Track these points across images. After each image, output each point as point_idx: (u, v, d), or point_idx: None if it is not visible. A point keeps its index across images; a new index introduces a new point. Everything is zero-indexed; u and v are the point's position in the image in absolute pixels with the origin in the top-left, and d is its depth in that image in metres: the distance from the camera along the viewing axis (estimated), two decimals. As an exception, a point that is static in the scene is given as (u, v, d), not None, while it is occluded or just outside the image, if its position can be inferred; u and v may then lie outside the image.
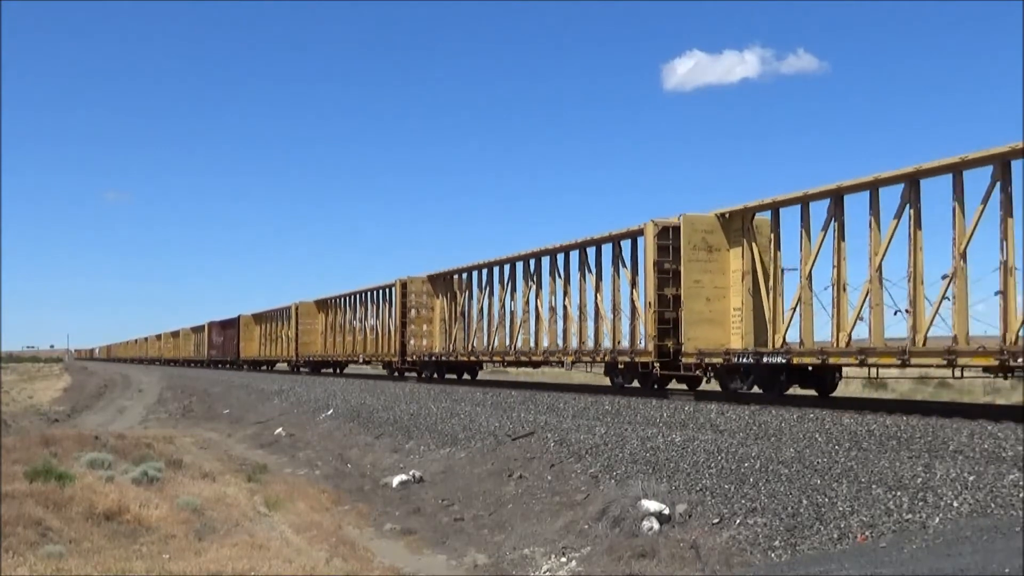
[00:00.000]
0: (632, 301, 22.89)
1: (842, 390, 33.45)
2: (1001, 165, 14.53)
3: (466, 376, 35.23)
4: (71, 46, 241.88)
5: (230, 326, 67.00)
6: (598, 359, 24.31)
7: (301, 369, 52.16)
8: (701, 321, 20.20)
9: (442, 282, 35.82)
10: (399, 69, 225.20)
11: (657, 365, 21.18)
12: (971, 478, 10.46)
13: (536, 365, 29.33)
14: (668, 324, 20.96)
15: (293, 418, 32.62)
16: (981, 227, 14.92)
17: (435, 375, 35.82)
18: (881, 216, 16.66)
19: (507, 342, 29.74)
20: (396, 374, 39.03)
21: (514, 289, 29.51)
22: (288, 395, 39.00)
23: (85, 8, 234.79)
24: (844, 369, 18.45)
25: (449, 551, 14.46)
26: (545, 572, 12.60)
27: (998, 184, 14.52)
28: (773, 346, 18.90)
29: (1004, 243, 14.41)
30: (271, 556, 12.10)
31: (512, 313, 29.60)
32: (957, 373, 15.26)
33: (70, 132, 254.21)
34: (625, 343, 23.23)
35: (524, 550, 13.42)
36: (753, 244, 19.93)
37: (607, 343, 24.06)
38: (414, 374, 37.63)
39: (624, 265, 23.32)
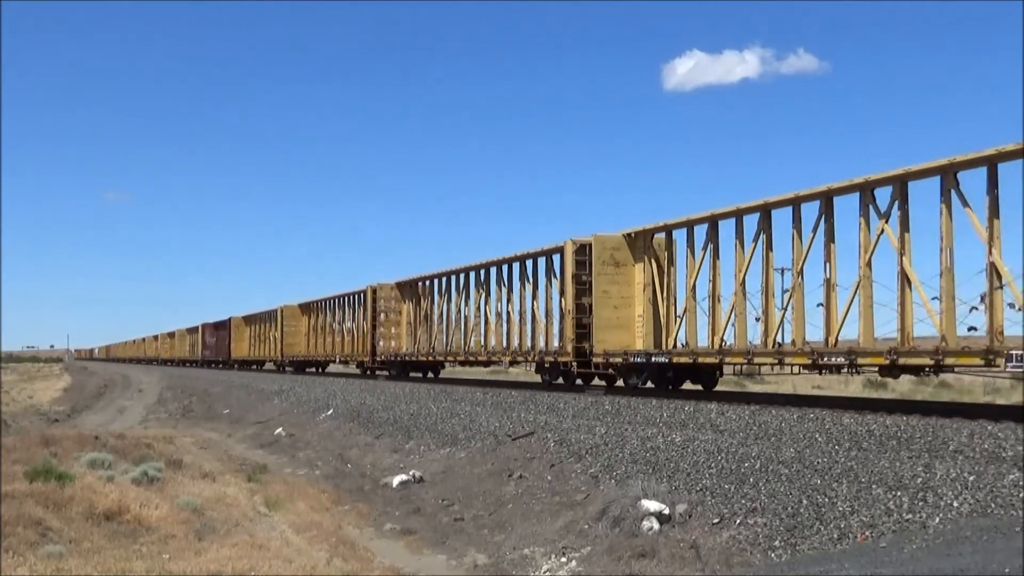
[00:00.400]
0: (560, 308, 25.62)
1: (842, 390, 33.46)
2: (825, 200, 17.36)
3: (430, 375, 38.48)
4: (71, 46, 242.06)
5: (222, 327, 69.61)
6: (531, 359, 27.68)
7: (286, 368, 54.80)
8: (609, 326, 23.34)
9: (409, 288, 38.84)
10: (399, 69, 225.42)
11: (575, 364, 24.35)
12: (971, 478, 10.46)
13: (485, 364, 32.69)
14: (585, 329, 23.94)
15: (293, 418, 32.63)
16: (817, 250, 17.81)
17: (401, 373, 38.86)
18: (745, 240, 19.64)
19: (462, 344, 32.76)
20: (368, 372, 41.78)
21: (468, 296, 32.69)
22: (288, 395, 39.01)
23: (85, 8, 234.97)
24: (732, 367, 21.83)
25: (449, 551, 14.46)
26: (545, 572, 12.60)
27: (823, 216, 17.47)
28: (666, 348, 22.01)
29: (827, 264, 17.42)
30: (271, 556, 12.11)
31: (466, 317, 32.71)
32: (786, 369, 19.87)
33: (70, 132, 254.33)
34: (555, 344, 26.08)
35: (524, 550, 13.42)
36: (653, 260, 23.02)
37: (541, 344, 27.03)
38: (385, 373, 40.41)
39: (555, 276, 26.16)
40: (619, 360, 22.98)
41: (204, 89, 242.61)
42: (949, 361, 14.69)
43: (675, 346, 21.79)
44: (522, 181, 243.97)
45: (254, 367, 62.75)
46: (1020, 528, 8.59)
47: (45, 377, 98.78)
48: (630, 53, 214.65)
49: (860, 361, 16.35)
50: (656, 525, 12.44)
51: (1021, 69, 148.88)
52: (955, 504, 10.08)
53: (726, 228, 20.28)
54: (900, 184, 15.96)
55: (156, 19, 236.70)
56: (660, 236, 22.90)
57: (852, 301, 16.74)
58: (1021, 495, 9.81)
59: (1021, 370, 15.06)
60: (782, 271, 19.32)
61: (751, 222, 19.42)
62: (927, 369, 15.74)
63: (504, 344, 29.42)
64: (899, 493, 10.68)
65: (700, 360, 20.58)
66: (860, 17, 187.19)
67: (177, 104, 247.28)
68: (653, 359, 21.79)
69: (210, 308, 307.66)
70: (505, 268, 29.48)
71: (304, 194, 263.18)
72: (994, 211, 14.41)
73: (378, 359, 39.67)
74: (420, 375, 38.18)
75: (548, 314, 26.50)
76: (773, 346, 18.52)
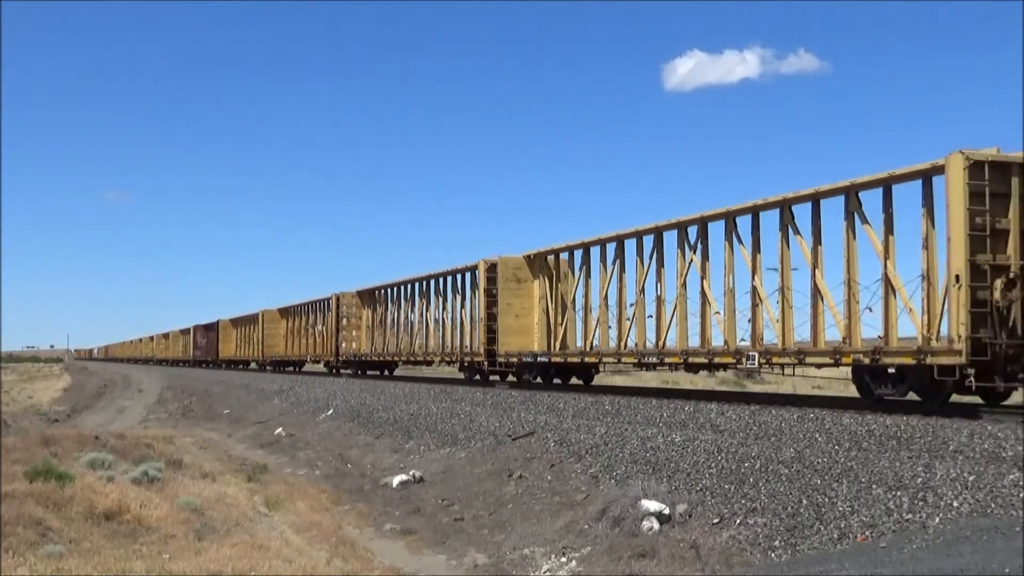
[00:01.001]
0: (478, 316, 29.61)
1: (842, 390, 33.43)
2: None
3: (386, 372, 42.77)
4: (71, 46, 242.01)
5: (211, 329, 73.37)
6: (455, 359, 32.13)
7: (267, 367, 59.37)
8: (511, 332, 27.74)
9: (368, 296, 43.23)
10: (399, 69, 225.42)
11: (485, 363, 28.86)
12: (971, 478, 10.46)
13: (427, 364, 37.34)
14: (494, 334, 28.06)
15: (293, 418, 32.63)
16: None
17: (359, 372, 43.52)
18: (607, 262, 23.93)
19: (409, 346, 37.23)
20: (333, 371, 46.08)
21: (413, 304, 37.34)
22: (288, 395, 39.02)
23: (85, 8, 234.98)
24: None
25: (449, 551, 14.46)
26: (545, 572, 12.60)
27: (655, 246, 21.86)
28: (551, 350, 26.48)
29: (659, 284, 21.67)
30: (271, 556, 12.10)
31: (412, 323, 37.47)
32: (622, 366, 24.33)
33: (70, 132, 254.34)
34: (477, 347, 29.68)
35: (524, 550, 13.42)
36: (546, 277, 27.45)
37: (467, 346, 30.93)
38: (348, 371, 44.41)
39: (478, 288, 29.66)
40: (515, 360, 27.44)
41: (204, 89, 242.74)
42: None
43: (560, 349, 26.18)
44: (522, 181, 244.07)
45: (240, 367, 66.14)
46: (1020, 528, 8.59)
47: (45, 377, 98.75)
48: (630, 53, 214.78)
49: (668, 360, 20.84)
50: (656, 525, 12.45)
51: (1021, 69, 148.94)
52: (955, 504, 10.08)
53: (595, 252, 24.58)
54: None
55: (156, 19, 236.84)
56: (551, 258, 27.29)
57: (673, 314, 20.93)
58: (1021, 495, 9.81)
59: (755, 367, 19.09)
60: (643, 289, 22.35)
61: (611, 249, 23.73)
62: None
63: (440, 346, 33.79)
64: (899, 493, 10.68)
65: (569, 360, 25.33)
66: (860, 17, 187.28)
67: (177, 104, 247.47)
68: (539, 359, 26.57)
69: (210, 308, 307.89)
70: (442, 281, 33.81)
71: (304, 194, 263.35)
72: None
73: (340, 359, 44.26)
74: (377, 373, 42.63)
75: (472, 321, 30.46)
76: (623, 349, 22.80)
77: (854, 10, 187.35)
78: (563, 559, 12.77)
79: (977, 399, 15.76)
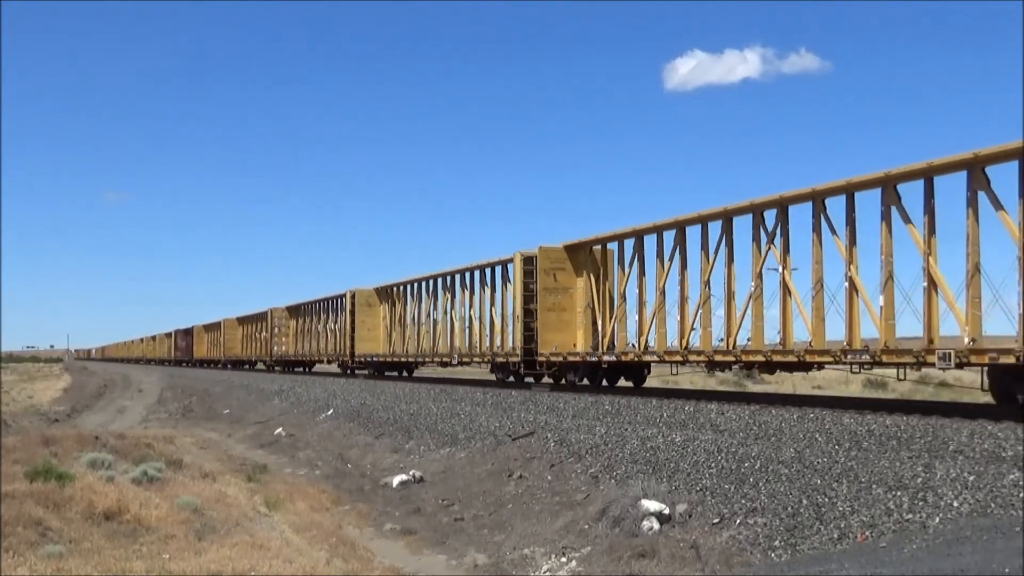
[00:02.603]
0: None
1: (842, 390, 33.47)
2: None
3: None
4: (71, 46, 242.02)
5: (188, 334, 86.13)
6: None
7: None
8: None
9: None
10: (400, 70, 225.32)
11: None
12: (971, 478, 10.46)
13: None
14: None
15: (293, 418, 32.63)
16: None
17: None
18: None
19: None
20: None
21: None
22: (288, 395, 39.02)
23: (85, 8, 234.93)
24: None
25: (449, 551, 14.46)
26: (545, 572, 12.60)
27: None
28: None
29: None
30: (271, 556, 12.10)
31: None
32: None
33: (70, 132, 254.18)
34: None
35: (524, 550, 13.42)
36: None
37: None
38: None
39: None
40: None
41: (204, 89, 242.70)
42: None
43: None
44: (523, 181, 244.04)
45: (209, 365, 77.83)
46: (1020, 528, 8.59)
47: (45, 377, 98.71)
48: (631, 53, 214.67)
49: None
50: (656, 525, 12.44)
51: (1021, 69, 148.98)
52: (955, 504, 10.07)
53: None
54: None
55: (156, 19, 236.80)
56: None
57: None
58: (1021, 495, 9.81)
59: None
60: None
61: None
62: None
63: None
64: (899, 493, 10.68)
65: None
66: (861, 16, 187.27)
67: (177, 104, 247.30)
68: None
69: (210, 308, 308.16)
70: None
71: (304, 194, 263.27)
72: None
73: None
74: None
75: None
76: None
77: (855, 9, 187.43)
78: (563, 559, 12.77)
79: (977, 400, 15.74)
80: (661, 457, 14.76)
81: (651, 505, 12.80)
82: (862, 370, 17.12)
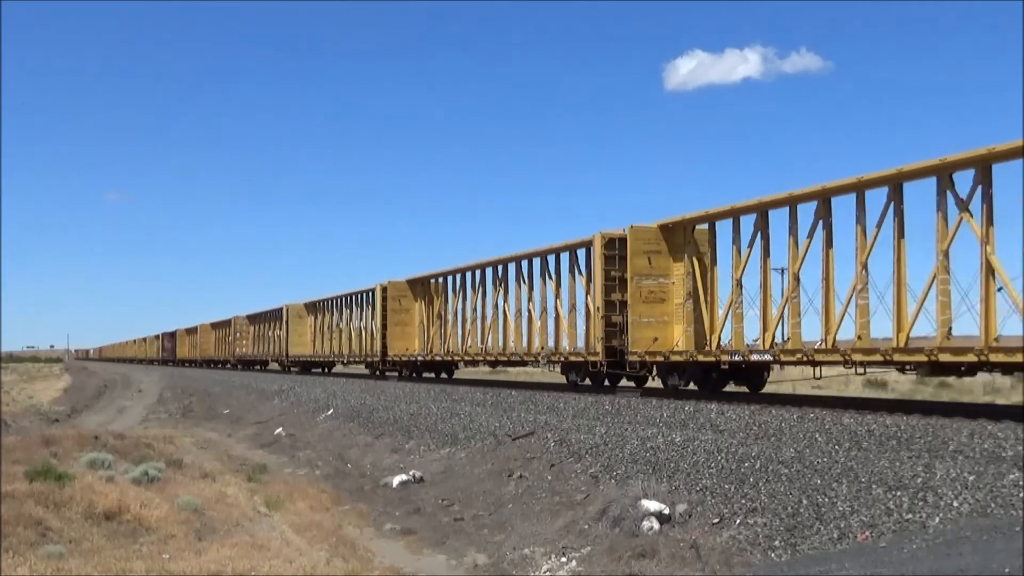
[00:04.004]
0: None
1: (842, 390, 33.44)
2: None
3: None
4: (71, 46, 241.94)
5: (171, 337, 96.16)
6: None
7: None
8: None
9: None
10: (401, 69, 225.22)
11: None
12: (971, 478, 10.47)
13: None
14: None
15: (293, 418, 32.63)
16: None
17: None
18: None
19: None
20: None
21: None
22: (288, 395, 39.02)
23: (85, 8, 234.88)
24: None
25: (449, 551, 14.46)
26: (545, 572, 12.60)
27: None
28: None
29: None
30: (271, 556, 12.10)
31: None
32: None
33: (70, 132, 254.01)
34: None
35: (524, 550, 13.42)
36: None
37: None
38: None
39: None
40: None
41: (204, 90, 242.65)
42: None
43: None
44: (523, 181, 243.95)
45: (188, 364, 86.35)
46: (1020, 528, 8.59)
47: (45, 377, 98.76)
48: (631, 53, 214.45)
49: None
50: (656, 525, 12.45)
51: (1022, 68, 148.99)
52: (955, 504, 10.08)
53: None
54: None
55: (156, 19, 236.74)
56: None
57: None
58: (1021, 495, 9.81)
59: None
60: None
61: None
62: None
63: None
64: (899, 493, 10.68)
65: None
66: (862, 16, 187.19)
67: (177, 105, 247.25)
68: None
69: (210, 308, 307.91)
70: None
71: (305, 194, 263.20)
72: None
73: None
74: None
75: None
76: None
77: (855, 9, 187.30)
78: (563, 559, 12.77)
79: (977, 399, 15.70)
80: (661, 457, 14.76)
81: (651, 505, 12.80)
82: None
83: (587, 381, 24.97)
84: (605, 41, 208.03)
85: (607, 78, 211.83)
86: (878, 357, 16.24)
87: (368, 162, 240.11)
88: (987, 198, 14.96)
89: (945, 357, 14.94)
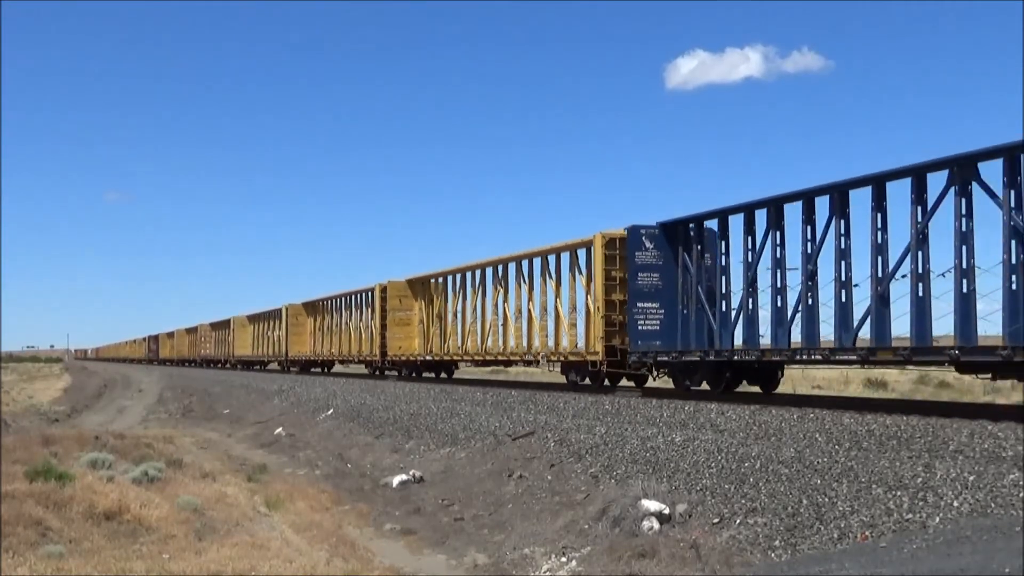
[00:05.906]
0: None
1: (842, 390, 33.44)
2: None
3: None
4: (71, 46, 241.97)
5: (156, 339, 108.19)
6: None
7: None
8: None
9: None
10: (402, 69, 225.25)
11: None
12: (971, 478, 10.46)
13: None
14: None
15: (293, 418, 32.64)
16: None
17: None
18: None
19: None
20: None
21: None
22: (288, 395, 39.03)
23: (85, 8, 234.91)
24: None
25: (449, 551, 14.47)
26: (545, 572, 12.60)
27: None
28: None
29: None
30: (271, 556, 12.10)
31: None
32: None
33: (70, 132, 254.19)
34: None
35: (524, 550, 13.42)
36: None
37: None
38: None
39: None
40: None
41: (204, 89, 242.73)
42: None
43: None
44: (524, 181, 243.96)
45: (169, 363, 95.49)
46: (1020, 528, 8.59)
47: (45, 377, 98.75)
48: (632, 52, 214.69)
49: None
50: (656, 525, 12.45)
51: (1022, 68, 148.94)
52: (955, 504, 10.08)
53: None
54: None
55: (156, 19, 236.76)
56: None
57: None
58: (1021, 495, 9.80)
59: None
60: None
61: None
62: None
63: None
64: (899, 493, 10.68)
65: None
66: (863, 15, 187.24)
67: (177, 104, 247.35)
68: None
69: (210, 308, 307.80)
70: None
71: (305, 194, 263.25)
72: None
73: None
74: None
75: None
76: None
77: (857, 8, 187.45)
78: (563, 559, 12.77)
79: (976, 399, 15.68)
80: (661, 457, 14.76)
81: (651, 505, 12.80)
82: None
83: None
84: (606, 41, 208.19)
85: (608, 78, 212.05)
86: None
87: (368, 162, 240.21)
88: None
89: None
